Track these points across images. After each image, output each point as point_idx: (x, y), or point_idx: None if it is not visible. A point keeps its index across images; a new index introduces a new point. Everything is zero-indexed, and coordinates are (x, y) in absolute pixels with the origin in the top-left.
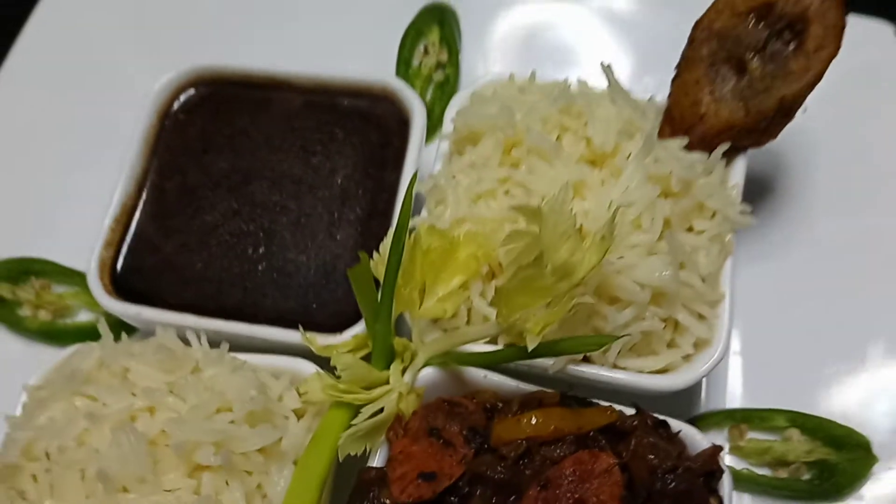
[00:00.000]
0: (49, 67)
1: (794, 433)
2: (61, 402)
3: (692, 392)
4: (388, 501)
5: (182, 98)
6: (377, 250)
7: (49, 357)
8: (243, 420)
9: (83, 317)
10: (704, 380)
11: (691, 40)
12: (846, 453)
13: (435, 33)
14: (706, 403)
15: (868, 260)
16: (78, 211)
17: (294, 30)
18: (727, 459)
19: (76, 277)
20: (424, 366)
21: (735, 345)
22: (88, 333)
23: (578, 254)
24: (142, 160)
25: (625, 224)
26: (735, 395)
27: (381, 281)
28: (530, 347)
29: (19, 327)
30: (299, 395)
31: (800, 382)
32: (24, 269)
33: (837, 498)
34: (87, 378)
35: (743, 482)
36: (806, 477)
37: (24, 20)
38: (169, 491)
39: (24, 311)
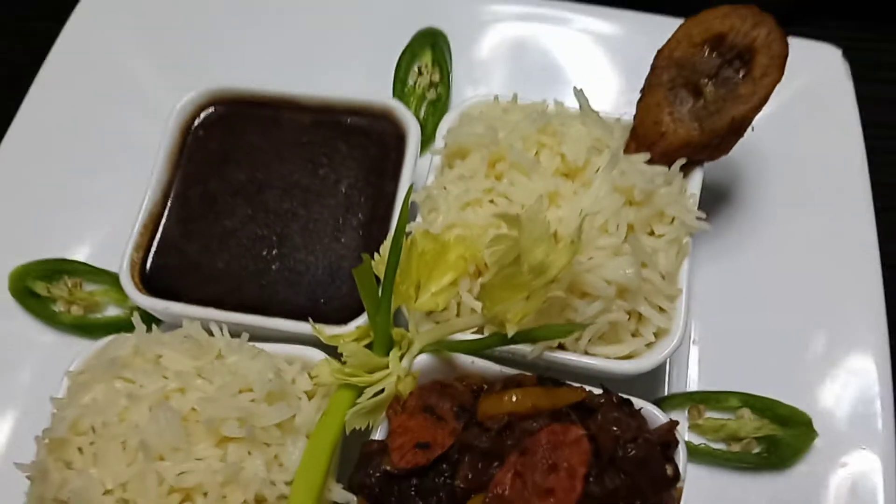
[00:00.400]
0: (76, 88)
1: (746, 412)
2: (102, 384)
3: (656, 377)
4: (388, 467)
5: (202, 116)
6: (378, 252)
7: (80, 348)
8: (262, 399)
9: (111, 312)
10: (667, 366)
11: (653, 67)
12: (790, 429)
13: (428, 56)
14: (669, 387)
15: (809, 260)
16: (106, 217)
17: (302, 53)
18: (687, 436)
19: (105, 276)
20: (420, 353)
21: (694, 335)
22: (116, 326)
23: (552, 255)
24: (167, 171)
25: (594, 229)
26: (694, 379)
27: (382, 278)
28: (510, 334)
29: (53, 321)
30: (310, 378)
31: (751, 368)
32: (58, 269)
33: (782, 468)
34: (124, 363)
35: (701, 455)
36: (756, 450)
37: (54, 36)
38: (199, 459)
39: (58, 307)
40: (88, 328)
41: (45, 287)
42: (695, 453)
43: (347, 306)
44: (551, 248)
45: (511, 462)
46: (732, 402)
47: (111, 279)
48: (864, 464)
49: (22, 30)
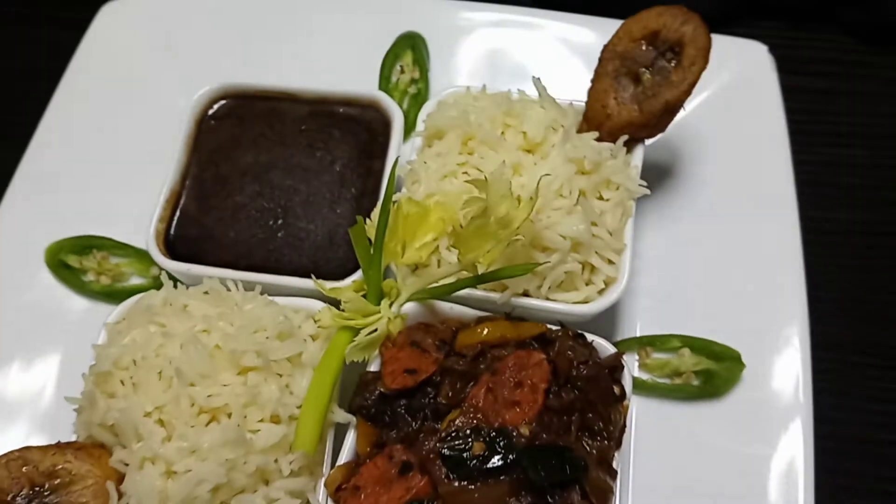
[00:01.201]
0: (100, 87)
1: (686, 351)
2: (139, 329)
3: (609, 324)
4: (382, 390)
5: (213, 109)
6: (369, 217)
7: (108, 312)
8: (275, 337)
9: (134, 281)
10: (618, 314)
11: (601, 60)
12: (723, 363)
13: (409, 56)
14: (620, 333)
15: (737, 223)
16: (129, 199)
17: (299, 55)
18: (637, 373)
19: (129, 250)
20: (406, 301)
21: (642, 287)
22: (140, 293)
23: (514, 210)
24: (184, 156)
25: (550, 192)
26: (642, 325)
27: (373, 238)
28: (480, 272)
29: (84, 290)
30: (315, 322)
31: (689, 314)
32: (88, 245)
33: (717, 396)
34: (156, 311)
35: (649, 389)
36: (695, 382)
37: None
38: (225, 385)
39: (88, 277)
40: (115, 295)
41: (77, 260)
42: (643, 388)
43: (343, 266)
44: (514, 205)
45: (484, 381)
46: (674, 344)
47: (135, 252)
48: (784, 388)
49: (46, 36)
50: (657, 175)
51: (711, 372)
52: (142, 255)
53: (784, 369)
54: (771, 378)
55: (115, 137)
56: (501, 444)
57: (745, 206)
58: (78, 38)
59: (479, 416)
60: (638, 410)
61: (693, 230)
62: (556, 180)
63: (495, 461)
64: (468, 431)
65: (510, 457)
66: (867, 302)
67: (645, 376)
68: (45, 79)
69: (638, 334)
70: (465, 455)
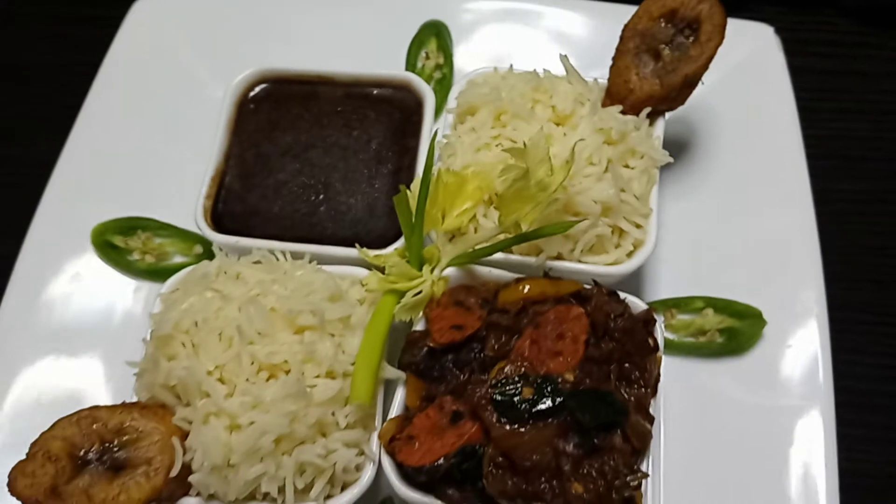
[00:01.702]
0: (141, 75)
1: (709, 311)
2: (195, 295)
3: (636, 287)
4: (431, 345)
5: (252, 93)
6: (409, 189)
7: (154, 290)
8: (326, 299)
9: (177, 259)
10: (644, 279)
11: (622, 38)
12: (745, 321)
13: (433, 43)
14: (646, 297)
15: (753, 191)
16: (171, 181)
17: (326, 45)
18: (664, 333)
19: (172, 230)
20: (448, 266)
21: (665, 253)
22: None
23: (551, 174)
24: (226, 138)
25: (581, 160)
26: (666, 289)
27: (415, 207)
28: (524, 230)
29: (129, 269)
30: (362, 285)
31: (711, 277)
32: (133, 226)
33: (741, 352)
34: (212, 279)
35: (675, 348)
36: (718, 340)
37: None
38: (283, 343)
39: (134, 257)
40: (159, 273)
41: (122, 240)
42: (670, 346)
43: (383, 237)
44: (549, 169)
45: (527, 334)
46: (698, 304)
47: (177, 232)
48: (803, 344)
49: (79, 33)
50: (677, 149)
51: (734, 330)
52: (184, 235)
53: (803, 327)
54: (791, 335)
55: (153, 124)
56: (549, 388)
57: (760, 177)
58: (108, 35)
59: (525, 364)
60: (666, 368)
61: (712, 199)
62: (586, 149)
63: (544, 404)
64: (517, 378)
65: (557, 400)
66: (877, 266)
67: (671, 336)
68: (80, 74)
69: (663, 297)
70: (515, 399)
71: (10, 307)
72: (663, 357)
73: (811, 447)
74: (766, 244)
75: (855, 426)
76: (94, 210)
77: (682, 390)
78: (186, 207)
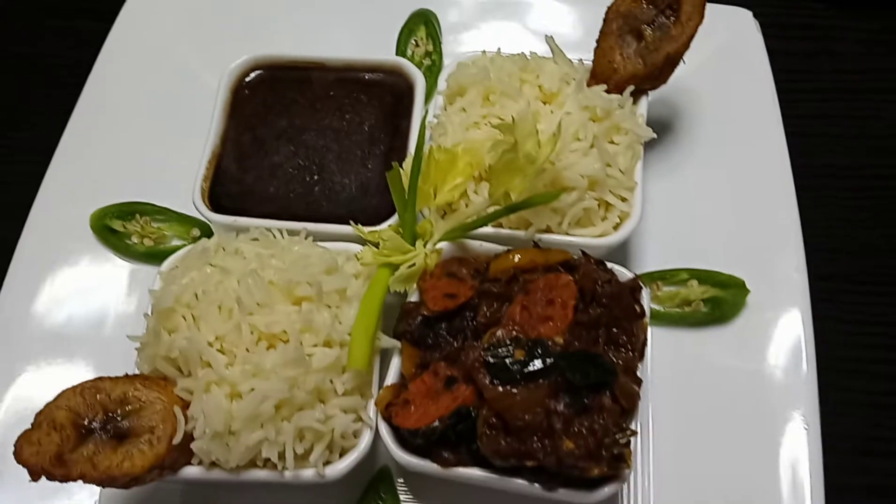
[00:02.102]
0: (137, 65)
1: (694, 282)
2: (195, 270)
3: (622, 261)
4: (425, 313)
5: (247, 78)
6: (402, 167)
7: (151, 272)
8: (323, 272)
9: (175, 242)
10: (630, 253)
11: (605, 20)
12: (729, 291)
13: (422, 31)
14: (633, 270)
15: (736, 168)
16: (168, 166)
17: (318, 33)
18: (651, 305)
19: (170, 214)
20: (440, 240)
21: (650, 228)
22: None
23: (538, 147)
24: (222, 123)
25: (567, 136)
26: (652, 262)
27: (407, 183)
28: (515, 200)
29: (128, 252)
30: (357, 259)
31: (696, 251)
32: (132, 210)
33: (725, 321)
34: (211, 255)
35: (662, 319)
36: (703, 310)
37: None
38: (281, 314)
39: (133, 241)
40: (158, 256)
41: (121, 224)
42: (657, 317)
43: (377, 214)
44: (538, 142)
45: (518, 300)
46: (683, 276)
47: (175, 216)
48: (785, 312)
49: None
50: (660, 129)
51: (718, 299)
52: (182, 219)
53: (785, 295)
54: (773, 303)
55: (149, 112)
56: (539, 350)
57: (741, 154)
58: (106, 28)
59: (516, 328)
60: (653, 338)
61: (695, 176)
62: (572, 125)
63: (535, 365)
64: (508, 341)
65: (548, 360)
66: (853, 237)
67: (657, 307)
68: (79, 66)
69: (648, 270)
70: (507, 361)
71: (12, 290)
72: (651, 327)
73: (795, 410)
74: (748, 218)
75: (836, 390)
76: (93, 196)
77: (670, 358)
78: (184, 192)
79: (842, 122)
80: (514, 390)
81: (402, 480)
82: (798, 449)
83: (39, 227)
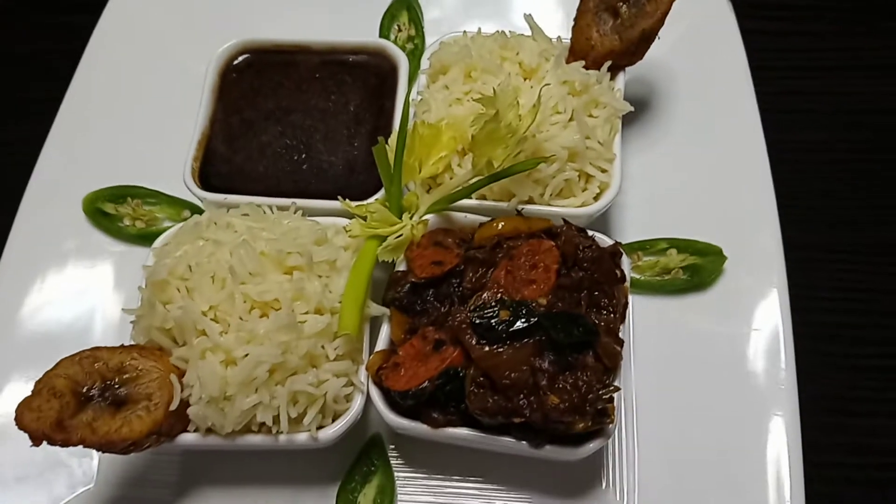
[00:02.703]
0: (126, 52)
1: (673, 251)
2: (187, 244)
3: (603, 232)
4: (413, 280)
5: (234, 62)
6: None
7: (143, 253)
8: (313, 243)
9: (167, 224)
10: (611, 224)
11: None
12: (707, 258)
13: (404, 16)
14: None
15: (712, 143)
16: (158, 150)
17: (307, 20)
18: (631, 274)
19: (161, 197)
20: (426, 212)
21: (629, 200)
22: None
23: (519, 119)
24: (211, 105)
25: (547, 109)
26: (632, 234)
27: (393, 157)
28: (497, 169)
29: (120, 235)
30: (346, 231)
31: (674, 221)
32: (123, 194)
33: (703, 287)
34: (203, 230)
35: (643, 287)
36: (682, 277)
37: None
38: (273, 283)
39: (125, 223)
40: (150, 237)
41: (113, 207)
42: (638, 285)
43: (364, 191)
44: (518, 115)
45: (503, 265)
46: (662, 245)
47: (166, 199)
48: (762, 277)
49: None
50: (637, 105)
51: (697, 266)
52: (172, 201)
53: (761, 262)
54: (750, 270)
55: (138, 99)
56: (524, 311)
57: (717, 129)
58: (93, 22)
59: (501, 291)
60: (634, 306)
61: (671, 151)
62: (551, 99)
63: (520, 324)
64: (494, 303)
65: (532, 320)
66: (827, 208)
67: (638, 276)
68: (65, 57)
69: (629, 241)
70: (493, 322)
71: (6, 274)
72: (632, 295)
73: (773, 370)
74: (724, 191)
75: (814, 354)
76: (85, 180)
77: (651, 325)
78: (174, 176)
79: (815, 98)
80: (500, 349)
81: (392, 447)
82: (777, 407)
83: (33, 211)
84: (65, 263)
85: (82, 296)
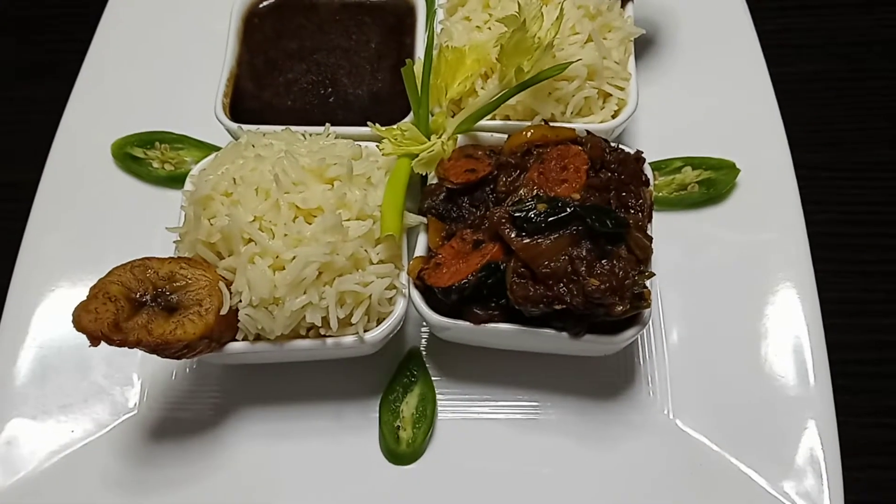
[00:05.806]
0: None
1: (688, 168)
2: (228, 164)
3: None
4: (448, 186)
5: (258, 7)
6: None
7: (174, 195)
8: (350, 158)
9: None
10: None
11: None
12: (721, 171)
13: None
14: None
15: (720, 73)
16: (184, 96)
17: None
18: None
19: (187, 141)
20: (454, 132)
21: (642, 126)
22: None
23: (544, 31)
24: (236, 47)
25: (566, 29)
26: (648, 156)
27: (420, 78)
28: (527, 77)
29: (150, 177)
30: (379, 149)
31: (686, 142)
32: (151, 139)
33: (719, 200)
34: (242, 150)
35: (661, 203)
36: (698, 191)
37: None
38: (315, 192)
39: (154, 166)
40: (178, 178)
41: (142, 151)
42: (656, 202)
43: (390, 120)
44: (542, 27)
45: (535, 167)
46: (677, 164)
47: (193, 143)
48: (774, 186)
49: None
50: (645, 36)
51: (711, 180)
52: (200, 145)
53: (772, 173)
54: (763, 181)
55: (169, 46)
56: (560, 203)
57: (723, 61)
58: None
59: (536, 188)
60: (653, 223)
61: (680, 81)
62: (569, 20)
63: (558, 215)
64: (531, 198)
65: (569, 210)
66: (827, 131)
67: (656, 194)
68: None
69: None
70: (531, 214)
71: (40, 214)
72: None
73: (791, 272)
74: (733, 113)
75: (827, 262)
76: (113, 127)
77: (671, 238)
78: (200, 121)
79: (807, 34)
80: (539, 240)
81: (429, 364)
82: (797, 308)
83: (63, 157)
84: (96, 204)
85: (116, 233)
